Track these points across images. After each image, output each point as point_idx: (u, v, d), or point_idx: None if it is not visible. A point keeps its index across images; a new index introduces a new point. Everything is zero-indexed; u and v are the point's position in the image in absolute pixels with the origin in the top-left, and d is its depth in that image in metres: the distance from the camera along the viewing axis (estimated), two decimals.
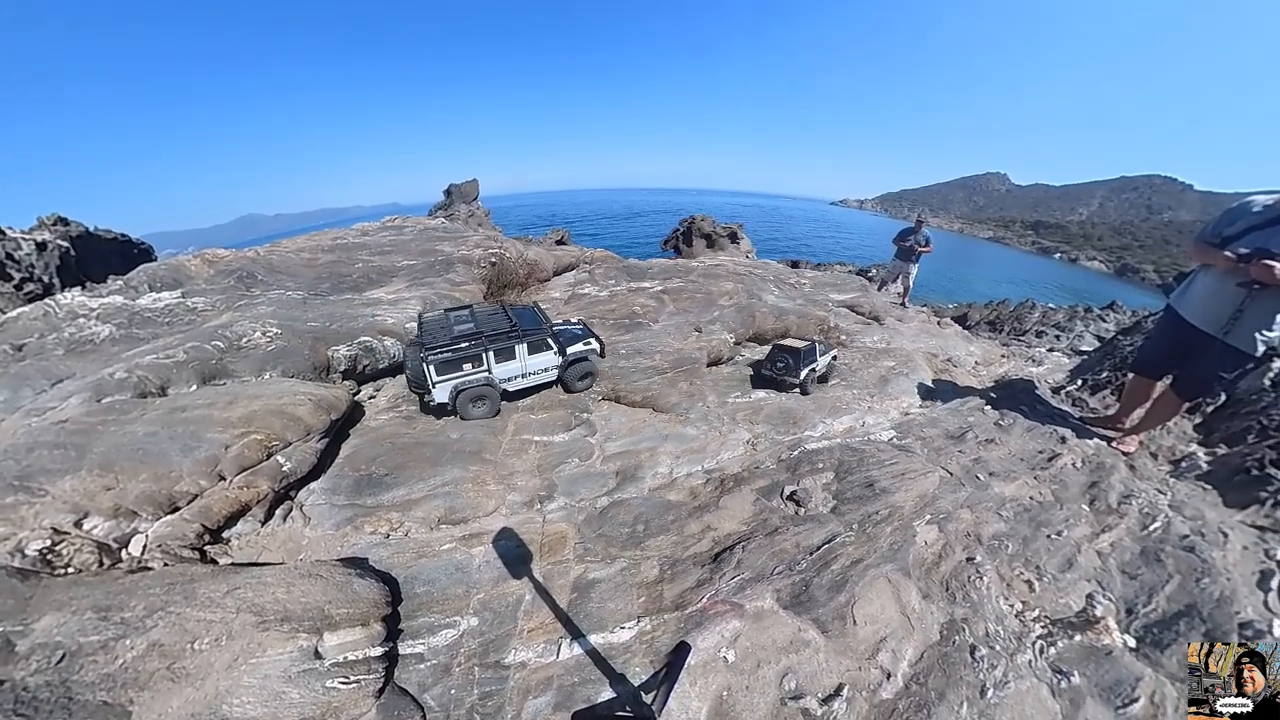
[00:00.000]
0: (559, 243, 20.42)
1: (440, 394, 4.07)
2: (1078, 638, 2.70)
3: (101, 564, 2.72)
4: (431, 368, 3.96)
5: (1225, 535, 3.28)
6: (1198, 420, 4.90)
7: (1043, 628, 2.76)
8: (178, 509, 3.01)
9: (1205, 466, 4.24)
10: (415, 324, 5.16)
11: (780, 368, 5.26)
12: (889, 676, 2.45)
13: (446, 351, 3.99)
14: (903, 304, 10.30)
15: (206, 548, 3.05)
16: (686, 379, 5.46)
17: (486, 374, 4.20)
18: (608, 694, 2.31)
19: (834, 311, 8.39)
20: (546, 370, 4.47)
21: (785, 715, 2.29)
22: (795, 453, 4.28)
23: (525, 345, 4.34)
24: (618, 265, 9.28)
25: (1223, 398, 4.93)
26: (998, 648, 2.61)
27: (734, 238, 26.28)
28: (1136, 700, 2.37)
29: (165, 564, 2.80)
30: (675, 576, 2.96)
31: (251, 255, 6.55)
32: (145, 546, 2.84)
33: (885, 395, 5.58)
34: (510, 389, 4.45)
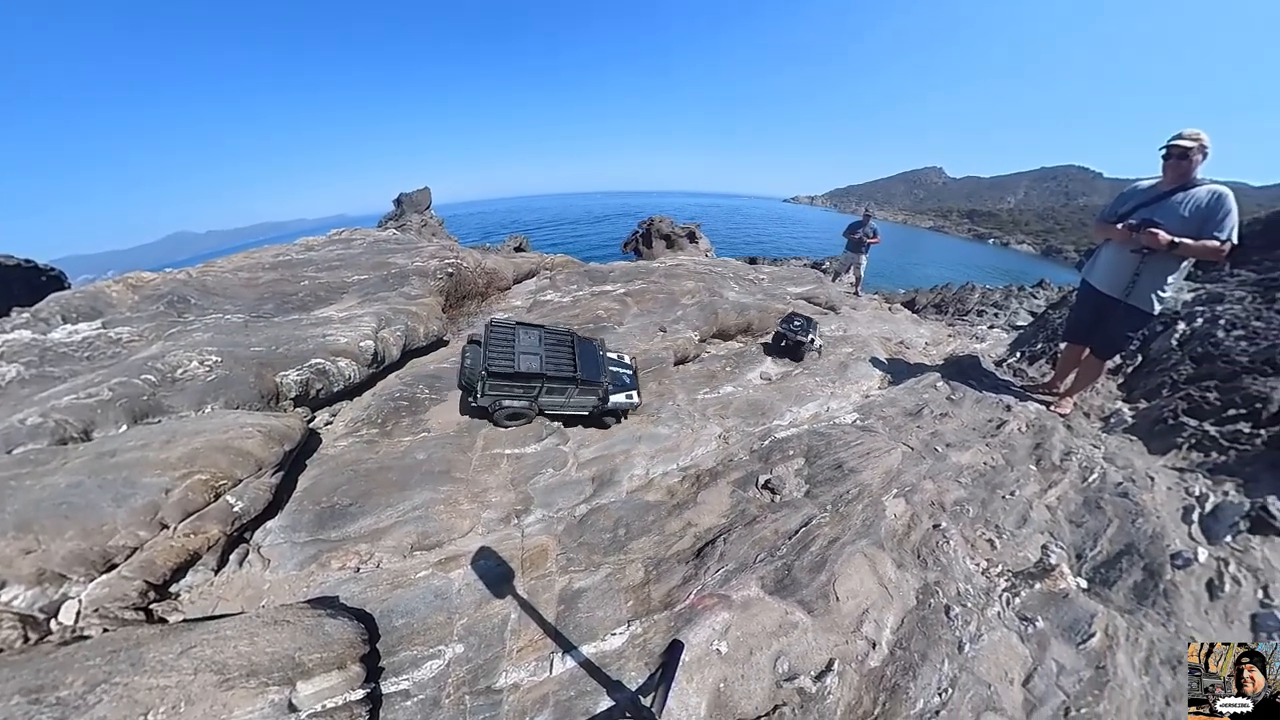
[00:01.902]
0: (517, 249, 20.05)
1: (484, 401, 4.30)
2: (1037, 586, 2.91)
3: (27, 639, 2.41)
4: (485, 383, 4.16)
5: (1152, 479, 3.64)
6: (1120, 380, 5.41)
7: (1007, 581, 2.96)
8: (114, 566, 2.72)
9: (1130, 420, 4.69)
10: (370, 343, 4.93)
11: (797, 326, 6.17)
12: (874, 646, 2.56)
13: (507, 382, 4.21)
14: (856, 293, 10.79)
15: (153, 606, 2.76)
16: (655, 379, 5.49)
17: (533, 398, 4.43)
18: (606, 703, 2.28)
19: (793, 304, 8.68)
20: (584, 408, 4.72)
21: (782, 697, 2.33)
22: (766, 442, 4.39)
23: (578, 388, 4.53)
24: (579, 270, 9.20)
25: (1139, 359, 5.48)
26: (969, 605, 2.77)
27: (693, 237, 26.72)
28: (1093, 635, 2.60)
29: (105, 630, 2.52)
30: (661, 576, 2.96)
31: (182, 277, 5.99)
32: (79, 613, 2.55)
33: (846, 380, 5.82)
34: (546, 411, 4.65)
